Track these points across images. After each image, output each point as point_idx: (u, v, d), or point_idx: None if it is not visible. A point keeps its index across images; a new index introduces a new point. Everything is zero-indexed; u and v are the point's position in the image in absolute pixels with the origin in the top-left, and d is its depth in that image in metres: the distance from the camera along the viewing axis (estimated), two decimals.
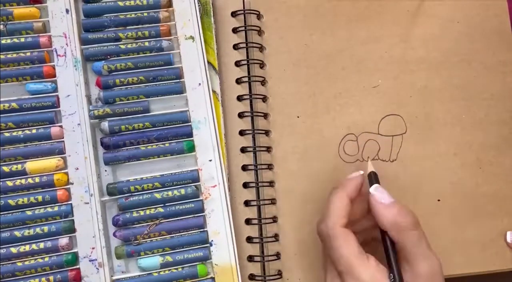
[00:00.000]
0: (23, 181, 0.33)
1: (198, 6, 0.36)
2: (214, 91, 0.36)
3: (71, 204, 0.33)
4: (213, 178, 0.34)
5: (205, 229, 0.34)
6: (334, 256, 0.29)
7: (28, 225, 0.33)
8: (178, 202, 0.34)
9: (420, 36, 0.39)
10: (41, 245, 0.33)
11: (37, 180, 0.33)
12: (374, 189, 0.31)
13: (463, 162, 0.38)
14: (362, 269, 0.28)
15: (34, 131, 0.34)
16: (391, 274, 0.29)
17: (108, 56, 0.35)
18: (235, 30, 0.37)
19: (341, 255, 0.29)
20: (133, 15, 0.35)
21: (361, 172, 0.32)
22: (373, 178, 0.32)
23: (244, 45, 0.37)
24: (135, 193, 0.34)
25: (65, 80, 0.34)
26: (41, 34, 0.34)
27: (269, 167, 0.37)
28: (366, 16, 0.39)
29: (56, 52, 0.34)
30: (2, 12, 0.34)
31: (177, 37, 0.35)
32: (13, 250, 0.32)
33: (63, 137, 0.34)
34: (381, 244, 0.31)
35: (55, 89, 0.34)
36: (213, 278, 0.34)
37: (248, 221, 0.36)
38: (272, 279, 0.35)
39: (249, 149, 0.37)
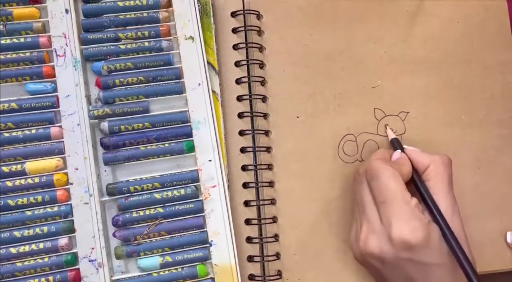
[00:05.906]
0: (22, 181, 0.33)
1: (198, 6, 0.36)
2: (213, 92, 0.36)
3: (70, 204, 0.33)
4: (213, 178, 0.34)
5: (205, 229, 0.34)
6: (379, 186, 0.31)
7: (28, 225, 0.33)
8: (178, 202, 0.34)
9: (420, 36, 0.39)
10: (41, 245, 0.33)
11: (36, 180, 0.33)
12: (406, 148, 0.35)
13: (462, 162, 0.38)
14: (405, 203, 0.30)
15: (33, 131, 0.34)
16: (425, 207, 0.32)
17: (108, 57, 0.35)
18: (234, 31, 0.37)
19: (387, 186, 0.31)
20: (132, 15, 0.35)
21: (399, 151, 0.35)
22: (396, 143, 0.35)
23: (243, 45, 0.37)
24: (135, 193, 0.34)
25: (64, 81, 0.34)
26: (40, 34, 0.34)
27: (269, 167, 0.37)
28: (366, 16, 0.39)
29: (56, 52, 0.34)
30: (2, 12, 0.34)
31: (176, 38, 0.35)
32: (13, 250, 0.32)
33: (62, 138, 0.34)
34: None
35: (55, 90, 0.34)
36: (212, 279, 0.34)
37: (248, 221, 0.36)
38: (272, 279, 0.35)
39: (249, 149, 0.37)
